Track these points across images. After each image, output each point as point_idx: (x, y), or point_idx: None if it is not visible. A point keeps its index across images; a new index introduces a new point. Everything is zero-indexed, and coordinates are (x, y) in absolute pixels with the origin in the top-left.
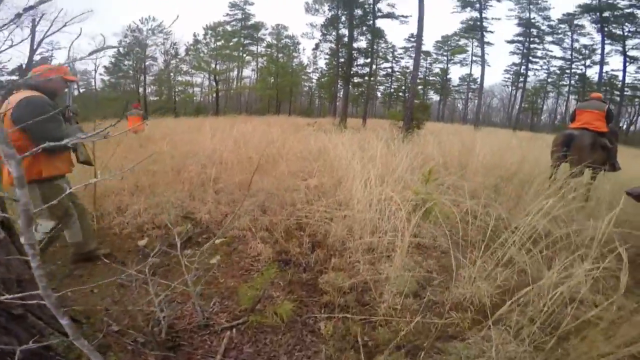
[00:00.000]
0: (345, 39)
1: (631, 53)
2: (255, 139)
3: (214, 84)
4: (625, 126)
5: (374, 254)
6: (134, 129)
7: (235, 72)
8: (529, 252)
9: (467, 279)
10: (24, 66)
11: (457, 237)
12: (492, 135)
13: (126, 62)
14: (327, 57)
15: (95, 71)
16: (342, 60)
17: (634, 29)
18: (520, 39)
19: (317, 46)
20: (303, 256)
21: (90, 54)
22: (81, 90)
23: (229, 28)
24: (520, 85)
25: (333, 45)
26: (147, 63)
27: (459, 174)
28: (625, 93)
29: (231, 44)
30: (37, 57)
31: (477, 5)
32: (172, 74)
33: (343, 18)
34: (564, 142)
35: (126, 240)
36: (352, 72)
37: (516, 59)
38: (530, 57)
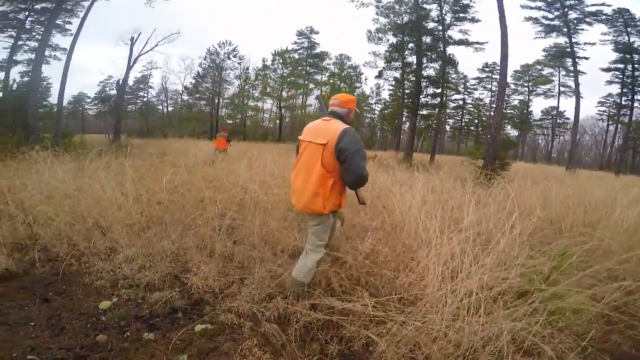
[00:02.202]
0: (412, 67)
1: None
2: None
3: (281, 110)
4: None
5: None
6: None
7: (300, 100)
8: None
9: None
10: (120, 82)
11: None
12: (600, 181)
13: (204, 85)
14: (391, 87)
15: (182, 92)
16: (407, 91)
17: None
18: (620, 66)
19: (380, 74)
20: None
21: None
22: (170, 109)
23: (296, 56)
24: (622, 119)
25: (397, 75)
26: (222, 86)
27: (588, 242)
28: None
29: (296, 71)
30: (138, 75)
31: (565, 30)
32: (244, 99)
33: (410, 45)
34: None
35: (90, 296)
36: (420, 103)
37: (614, 88)
38: (636, 87)
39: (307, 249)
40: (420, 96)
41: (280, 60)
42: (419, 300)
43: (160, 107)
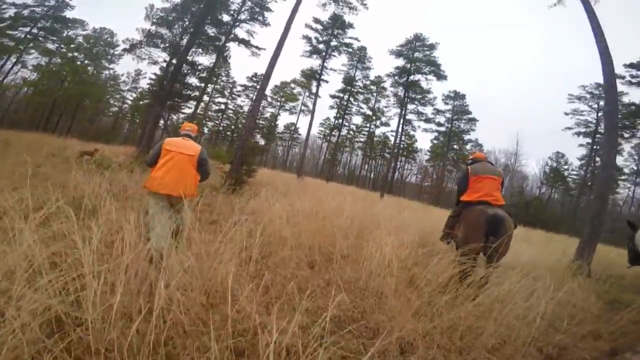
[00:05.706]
0: (180, 50)
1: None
2: None
3: None
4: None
5: None
6: None
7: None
8: None
9: None
10: None
11: None
12: (321, 188)
13: None
14: (153, 76)
15: None
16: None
17: (414, 95)
18: (341, 95)
19: (132, 47)
20: None
21: None
22: None
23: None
24: (332, 139)
25: (161, 57)
26: None
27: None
28: (395, 151)
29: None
30: None
31: (324, 53)
32: None
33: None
34: (491, 227)
35: None
36: (174, 89)
37: (332, 113)
38: (345, 115)
39: (170, 225)
40: (178, 81)
41: None
42: None
43: None
